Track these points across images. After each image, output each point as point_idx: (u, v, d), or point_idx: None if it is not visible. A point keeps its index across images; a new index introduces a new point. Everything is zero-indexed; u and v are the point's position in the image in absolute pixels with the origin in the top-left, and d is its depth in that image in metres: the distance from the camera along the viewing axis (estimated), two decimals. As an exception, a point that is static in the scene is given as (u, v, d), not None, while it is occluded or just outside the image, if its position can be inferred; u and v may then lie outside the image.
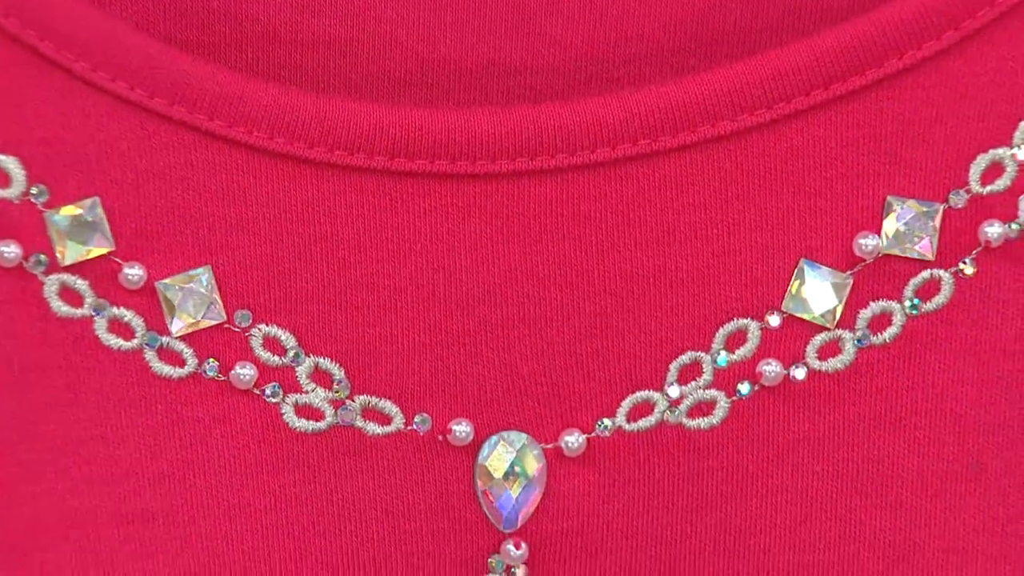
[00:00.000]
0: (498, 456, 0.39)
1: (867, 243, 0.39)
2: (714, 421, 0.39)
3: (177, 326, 0.39)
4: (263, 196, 0.39)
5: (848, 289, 0.39)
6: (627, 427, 0.39)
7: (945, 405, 0.39)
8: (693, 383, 0.39)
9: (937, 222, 0.39)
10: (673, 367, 0.39)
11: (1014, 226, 0.39)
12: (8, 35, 0.39)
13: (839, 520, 0.39)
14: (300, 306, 0.39)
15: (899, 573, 0.39)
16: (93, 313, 0.39)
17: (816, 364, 0.39)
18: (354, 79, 0.40)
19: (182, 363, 0.39)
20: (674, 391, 0.39)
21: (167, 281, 0.39)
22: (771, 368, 0.39)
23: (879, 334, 0.39)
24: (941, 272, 0.39)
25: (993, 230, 0.39)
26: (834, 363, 0.39)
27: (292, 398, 0.39)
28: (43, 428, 0.39)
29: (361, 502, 0.39)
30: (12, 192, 0.39)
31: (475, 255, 0.39)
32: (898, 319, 0.39)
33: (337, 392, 0.39)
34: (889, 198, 0.39)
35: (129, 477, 0.39)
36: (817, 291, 0.39)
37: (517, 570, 0.39)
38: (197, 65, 0.39)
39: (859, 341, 0.39)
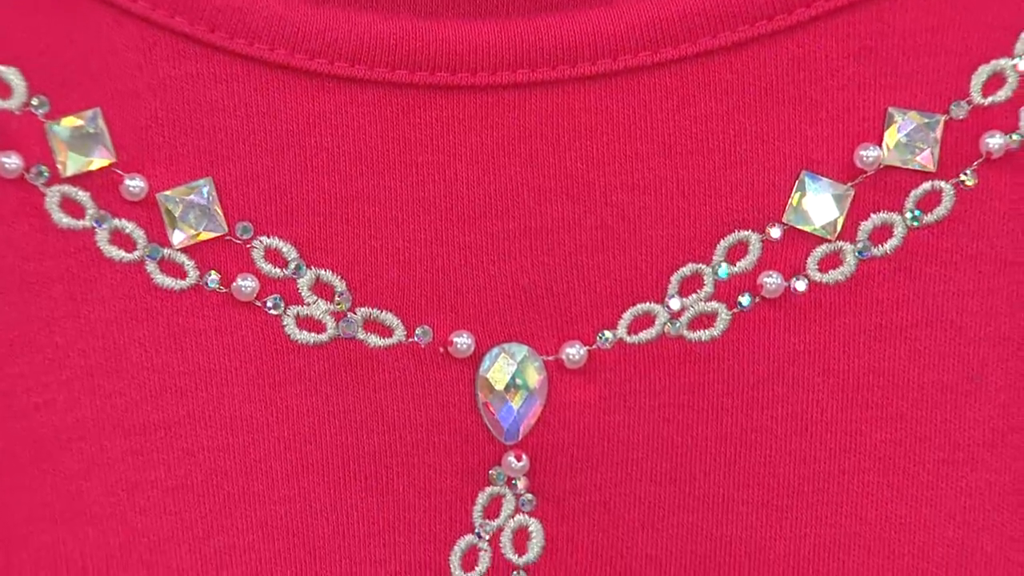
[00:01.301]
0: (499, 368, 0.39)
1: (868, 154, 0.39)
2: (715, 333, 0.39)
3: (178, 238, 0.39)
4: (264, 108, 0.39)
5: (849, 201, 0.39)
6: (628, 339, 0.39)
7: (946, 316, 0.39)
8: (694, 295, 0.39)
9: (938, 133, 0.39)
10: (674, 279, 0.39)
11: (1015, 137, 0.39)
12: (8, -55, 0.39)
13: (839, 432, 0.39)
14: (301, 218, 0.39)
15: (898, 484, 0.39)
16: (94, 225, 0.39)
17: (817, 276, 0.39)
18: (354, -10, 0.40)
19: (183, 275, 0.39)
20: (675, 303, 0.39)
21: (168, 193, 0.39)
22: (772, 280, 0.39)
23: (880, 246, 0.39)
24: (942, 183, 0.39)
25: (994, 141, 0.39)
26: (835, 275, 0.39)
27: (293, 310, 0.39)
28: (45, 339, 0.39)
29: (362, 414, 0.39)
30: (13, 103, 0.39)
31: (476, 167, 0.39)
32: (899, 231, 0.39)
33: (338, 304, 0.39)
34: (890, 109, 0.39)
35: (131, 389, 0.39)
36: (818, 203, 0.39)
37: (518, 482, 0.39)
38: (198, -24, 0.39)
39: (860, 253, 0.39)
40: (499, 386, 0.39)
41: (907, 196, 0.39)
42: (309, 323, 0.39)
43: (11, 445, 0.40)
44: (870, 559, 0.39)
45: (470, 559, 0.39)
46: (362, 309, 0.39)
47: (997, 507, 0.39)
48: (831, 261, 0.39)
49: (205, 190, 0.39)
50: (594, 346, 0.39)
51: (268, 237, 0.39)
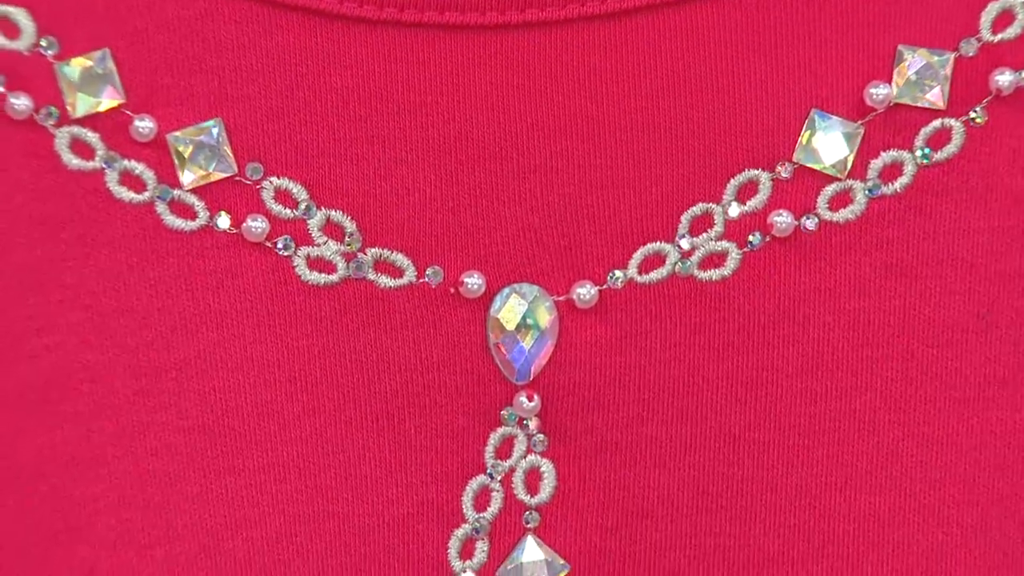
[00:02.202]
0: (510, 308, 0.39)
1: (878, 92, 0.39)
2: (725, 272, 0.39)
3: (188, 179, 0.39)
4: (273, 48, 0.39)
5: (859, 139, 0.39)
6: (639, 279, 0.39)
7: (956, 254, 0.39)
8: (704, 234, 0.39)
9: (948, 71, 0.39)
10: (684, 218, 0.39)
11: (1025, 74, 0.39)
12: None
13: (849, 371, 0.39)
14: (311, 159, 0.39)
15: (909, 423, 0.39)
16: (104, 166, 0.39)
17: (827, 215, 0.39)
18: (364, -71, 0.40)
19: (193, 216, 0.39)
20: (686, 243, 0.39)
21: (178, 134, 0.39)
22: (782, 219, 0.39)
23: (890, 184, 0.39)
24: (952, 121, 0.39)
25: (1004, 78, 0.39)
26: (845, 213, 0.39)
27: (304, 251, 0.39)
28: (54, 281, 0.39)
29: (373, 355, 0.39)
30: (22, 44, 0.39)
31: (486, 106, 0.39)
32: (909, 168, 0.39)
33: (349, 245, 0.39)
34: (900, 47, 0.39)
35: (141, 330, 0.39)
36: (828, 141, 0.39)
37: (530, 422, 0.39)
38: (208, -85, 0.39)
39: (870, 191, 0.39)
40: (510, 326, 0.39)
41: (917, 134, 0.39)
42: (319, 264, 0.39)
43: (20, 387, 0.39)
44: (880, 497, 0.39)
45: (482, 499, 0.39)
46: (372, 250, 0.39)
47: (1009, 445, 0.39)
48: (841, 199, 0.39)
49: (215, 131, 0.39)
50: (605, 286, 0.39)
51: (278, 178, 0.39)
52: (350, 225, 0.39)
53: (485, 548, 0.39)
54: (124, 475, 0.39)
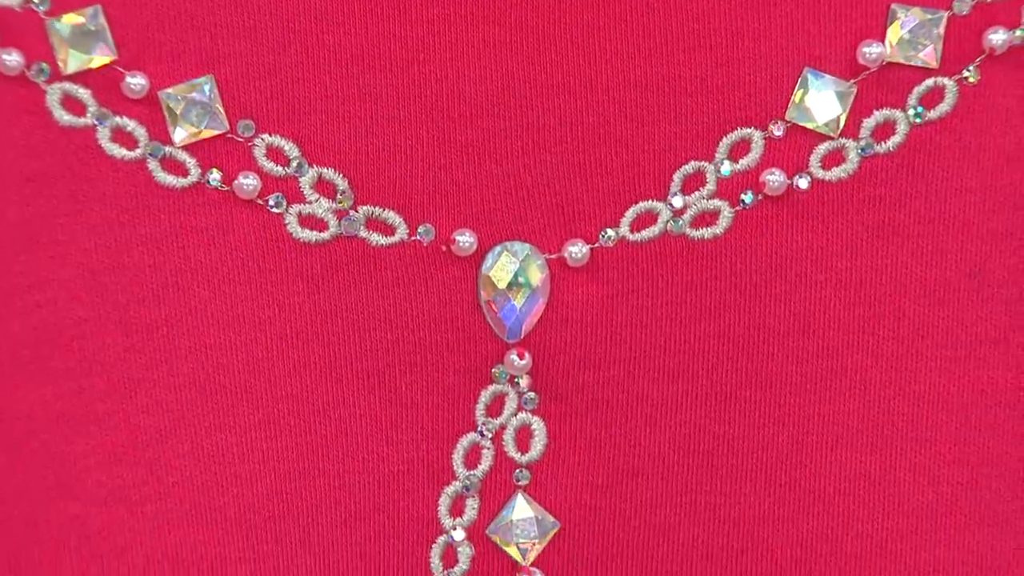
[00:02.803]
0: (502, 266, 0.39)
1: (871, 51, 0.39)
2: (717, 231, 0.39)
3: (180, 136, 0.39)
4: (266, 4, 0.39)
5: (852, 97, 0.39)
6: (631, 237, 0.39)
7: (948, 213, 0.39)
8: (697, 193, 0.39)
9: (941, 29, 0.39)
10: (677, 177, 0.39)
11: (1018, 33, 0.39)
12: None
13: (841, 330, 0.39)
14: (303, 116, 0.39)
15: (901, 382, 0.39)
16: (96, 122, 0.39)
17: (819, 173, 0.39)
18: None
19: (185, 173, 0.39)
20: (678, 201, 0.39)
21: (170, 90, 0.39)
22: (774, 177, 0.39)
23: (883, 143, 0.39)
24: (945, 80, 0.39)
25: (997, 37, 0.39)
26: (837, 172, 0.39)
27: (296, 208, 0.39)
28: (46, 238, 0.39)
29: (364, 313, 0.39)
30: (14, 0, 0.39)
31: (478, 64, 0.39)
32: (902, 127, 0.39)
33: (341, 202, 0.39)
34: (893, 6, 0.39)
35: (132, 286, 0.39)
36: (821, 100, 0.39)
37: (520, 380, 0.39)
38: None
39: (863, 150, 0.39)
40: (501, 284, 0.39)
41: (910, 93, 0.39)
42: (311, 221, 0.39)
43: (11, 343, 0.39)
44: (871, 455, 0.39)
45: (472, 457, 0.39)
46: (364, 207, 0.39)
47: (1000, 404, 0.39)
48: (834, 158, 0.39)
49: (207, 87, 0.39)
50: (596, 244, 0.39)
51: (270, 135, 0.39)
52: (342, 182, 0.39)
53: (475, 505, 0.39)
54: (115, 432, 0.39)
